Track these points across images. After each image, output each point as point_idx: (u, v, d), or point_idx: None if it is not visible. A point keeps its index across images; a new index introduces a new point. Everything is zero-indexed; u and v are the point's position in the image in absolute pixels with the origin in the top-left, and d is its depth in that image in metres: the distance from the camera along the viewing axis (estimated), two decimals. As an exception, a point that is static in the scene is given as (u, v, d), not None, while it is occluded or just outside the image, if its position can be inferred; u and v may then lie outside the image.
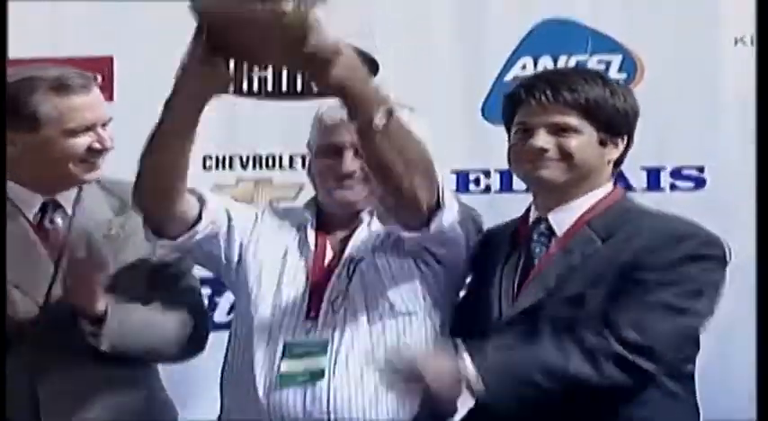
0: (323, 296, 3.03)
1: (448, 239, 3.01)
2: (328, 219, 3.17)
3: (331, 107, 3.08)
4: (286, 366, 2.98)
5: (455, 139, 3.96)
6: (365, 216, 3.14)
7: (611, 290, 2.92)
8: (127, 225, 3.17)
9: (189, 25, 3.02)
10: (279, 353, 3.00)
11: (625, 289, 2.92)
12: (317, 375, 2.97)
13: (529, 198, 3.31)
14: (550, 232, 3.02)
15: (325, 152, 3.14)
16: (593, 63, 3.87)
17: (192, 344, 3.24)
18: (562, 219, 3.02)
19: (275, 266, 3.12)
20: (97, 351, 3.04)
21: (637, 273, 2.94)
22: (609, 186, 3.04)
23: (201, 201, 2.99)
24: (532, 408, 2.90)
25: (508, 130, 3.12)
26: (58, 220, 3.15)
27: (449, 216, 2.94)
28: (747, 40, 3.89)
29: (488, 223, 3.32)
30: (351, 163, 3.09)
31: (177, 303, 3.18)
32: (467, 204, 3.19)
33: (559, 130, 2.97)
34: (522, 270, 3.02)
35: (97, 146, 3.08)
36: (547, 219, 3.01)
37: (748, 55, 3.79)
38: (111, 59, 3.90)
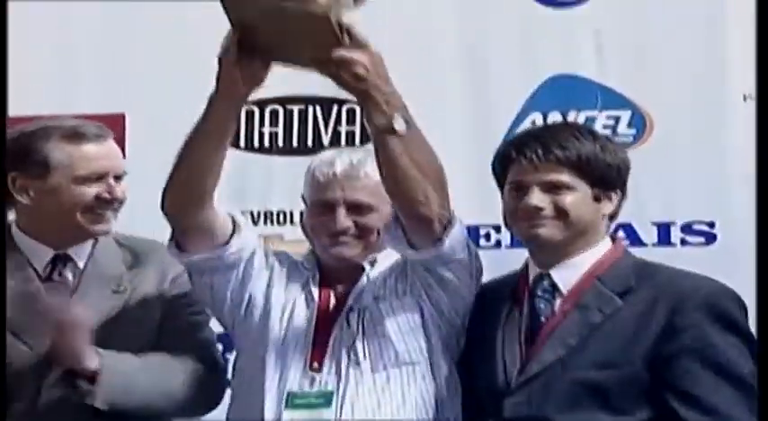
0: (326, 347, 3.04)
1: (455, 261, 3.00)
2: (330, 271, 3.19)
3: (323, 162, 3.16)
4: (288, 416, 2.99)
5: (466, 194, 3.85)
6: (366, 265, 3.15)
7: (653, 357, 2.93)
8: (136, 279, 3.21)
9: (200, 81, 3.06)
10: (283, 404, 3.02)
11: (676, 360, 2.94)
12: None
13: None
14: (554, 289, 3.03)
15: (318, 208, 3.16)
16: (603, 118, 3.94)
17: (205, 400, 3.22)
18: (566, 275, 3.03)
19: (282, 315, 3.12)
20: (96, 409, 3.01)
21: (679, 338, 2.96)
22: (607, 241, 3.07)
23: (236, 225, 2.98)
24: None
25: (501, 188, 3.14)
26: (68, 274, 3.17)
27: (459, 234, 2.95)
28: (754, 96, 3.75)
29: (500, 273, 3.32)
30: (344, 219, 3.11)
31: (188, 357, 3.16)
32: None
33: (553, 188, 3.00)
34: (527, 328, 3.04)
35: (106, 196, 3.11)
36: (549, 276, 3.02)
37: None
38: (123, 117, 3.98)
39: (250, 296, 3.17)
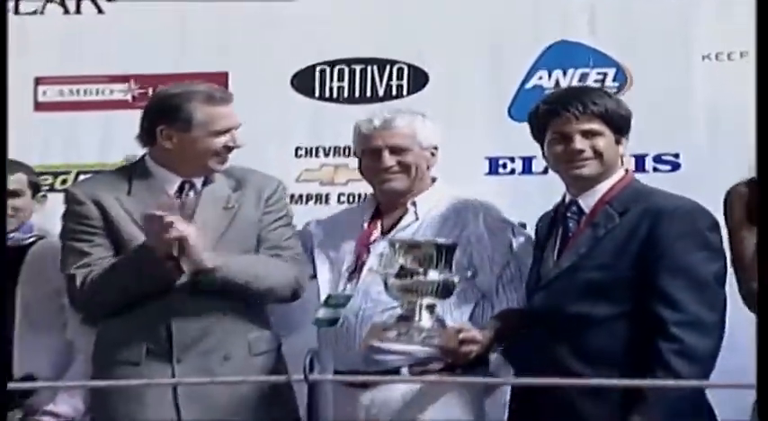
0: (363, 265, 3.67)
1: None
2: (383, 209, 3.77)
3: (364, 120, 3.77)
4: (320, 313, 3.67)
5: (488, 134, 4.50)
6: (410, 206, 3.77)
7: (635, 260, 3.40)
8: (240, 199, 3.71)
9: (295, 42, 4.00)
10: (322, 302, 3.67)
11: (652, 261, 3.37)
12: (334, 322, 3.61)
13: (543, 179, 4.17)
14: (580, 211, 3.57)
15: (368, 155, 3.74)
16: (594, 74, 4.44)
17: (291, 289, 3.72)
18: (589, 201, 3.55)
19: (339, 244, 3.77)
20: (217, 294, 3.57)
21: (658, 246, 3.40)
22: (621, 171, 3.58)
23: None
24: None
25: (540, 140, 3.63)
26: (191, 194, 3.71)
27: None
28: (713, 56, 4.37)
29: (513, 194, 4.23)
30: (388, 159, 3.68)
31: (278, 256, 3.69)
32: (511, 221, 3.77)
33: (590, 135, 3.51)
34: (560, 242, 3.58)
35: (231, 144, 3.67)
36: (577, 202, 3.56)
37: (713, 68, 4.36)
38: (226, 75, 4.45)
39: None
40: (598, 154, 3.53)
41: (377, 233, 3.74)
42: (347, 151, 4.51)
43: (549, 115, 3.55)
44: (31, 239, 4.00)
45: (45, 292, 3.90)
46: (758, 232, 2.93)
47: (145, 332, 3.60)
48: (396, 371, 3.57)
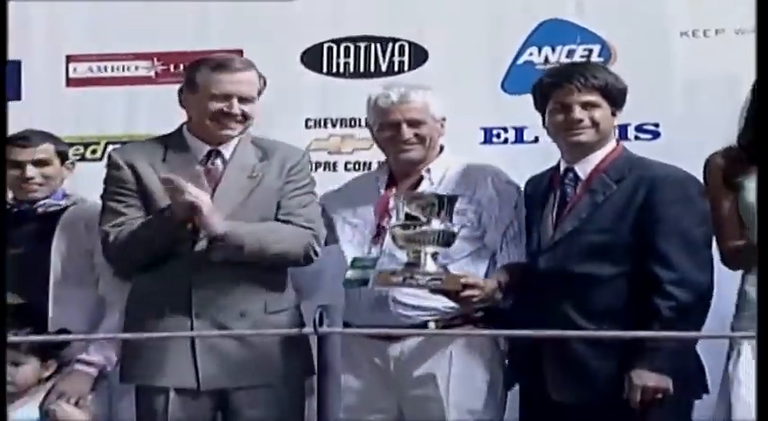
0: (383, 229, 3.78)
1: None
2: (397, 176, 3.89)
3: (382, 95, 3.85)
4: (349, 274, 3.73)
5: (482, 105, 4.61)
6: (425, 174, 3.86)
7: (634, 224, 3.59)
8: (265, 169, 3.79)
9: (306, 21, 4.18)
10: (348, 265, 3.74)
11: (649, 225, 3.57)
12: (365, 282, 3.68)
13: (533, 147, 4.30)
14: (576, 178, 3.73)
15: (386, 127, 3.84)
16: (580, 50, 4.56)
17: (304, 254, 3.79)
18: (585, 168, 3.72)
19: (358, 210, 3.90)
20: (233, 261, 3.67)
21: (654, 211, 3.59)
22: (613, 142, 3.77)
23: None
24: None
25: (542, 110, 3.76)
26: (218, 163, 3.80)
27: None
28: (690, 33, 4.48)
29: (506, 161, 4.20)
30: (407, 131, 3.80)
31: (294, 223, 3.78)
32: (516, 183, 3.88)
33: (588, 106, 3.67)
34: (558, 206, 3.73)
35: (225, 110, 3.69)
36: (573, 169, 3.73)
37: (690, 44, 4.48)
38: (241, 52, 4.39)
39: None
40: (595, 123, 3.69)
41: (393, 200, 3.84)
42: (353, 122, 4.66)
43: (552, 87, 3.72)
44: (64, 205, 4.11)
45: (78, 253, 4.03)
46: (758, 232, 3.06)
47: (169, 288, 3.73)
48: (424, 325, 3.72)
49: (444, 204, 3.58)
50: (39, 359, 3.95)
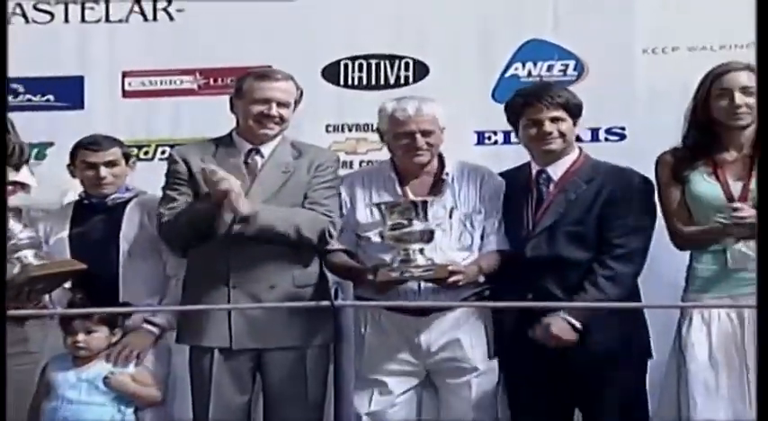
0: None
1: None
2: (404, 175, 4.24)
3: (398, 107, 4.16)
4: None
5: (476, 112, 4.97)
6: (445, 177, 4.19)
7: (599, 216, 4.04)
8: (297, 166, 4.17)
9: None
10: None
11: (608, 215, 4.02)
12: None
13: (519, 148, 4.48)
14: (549, 179, 4.15)
15: (402, 136, 4.17)
16: (558, 65, 4.95)
17: (318, 236, 4.11)
18: (556, 171, 4.16)
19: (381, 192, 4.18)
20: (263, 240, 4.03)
21: (613, 204, 4.04)
22: (577, 150, 4.20)
23: None
24: None
25: (515, 125, 4.18)
26: (257, 158, 4.19)
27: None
28: (649, 50, 4.89)
29: (496, 160, 4.58)
30: (421, 140, 4.16)
31: (314, 210, 4.13)
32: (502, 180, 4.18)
33: (556, 120, 4.10)
34: (536, 202, 4.15)
35: (265, 112, 4.12)
36: (546, 171, 4.15)
37: (650, 59, 4.89)
38: (270, 67, 4.59)
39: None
40: (562, 134, 4.13)
41: (413, 195, 4.21)
42: (366, 127, 4.98)
43: (524, 106, 4.16)
44: (128, 197, 4.49)
45: (142, 236, 4.40)
46: (758, 232, 3.26)
47: (212, 264, 4.11)
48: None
49: (418, 208, 3.99)
50: (108, 327, 4.40)
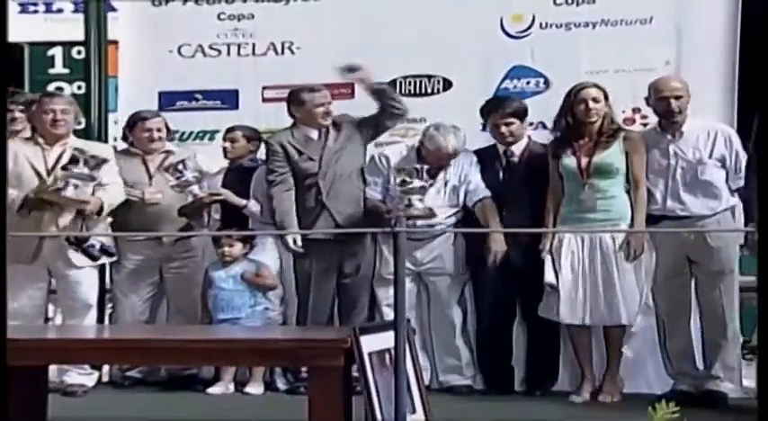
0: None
1: None
2: (430, 159, 6.20)
3: (441, 138, 6.24)
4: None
5: (472, 124, 6.69)
6: (453, 162, 6.21)
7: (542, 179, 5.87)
8: (343, 143, 6.29)
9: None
10: None
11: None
12: None
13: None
14: (512, 154, 6.31)
15: (438, 153, 6.22)
16: (533, 82, 6.81)
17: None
18: (517, 150, 6.33)
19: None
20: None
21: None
22: (526, 137, 6.35)
23: None
24: None
25: (485, 122, 6.28)
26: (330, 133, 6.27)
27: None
28: (591, 71, 6.56)
29: (488, 141, 6.46)
30: (446, 159, 6.20)
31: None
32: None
33: (509, 123, 6.26)
34: (510, 170, 6.29)
35: (327, 111, 6.26)
36: (511, 149, 6.32)
37: (592, 78, 6.43)
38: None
39: None
40: (512, 132, 6.25)
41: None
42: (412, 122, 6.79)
43: (489, 113, 6.29)
44: (254, 165, 6.59)
45: (262, 186, 6.45)
46: (758, 231, 3.62)
47: (303, 195, 6.30)
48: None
49: (420, 171, 5.80)
50: (242, 242, 6.61)
